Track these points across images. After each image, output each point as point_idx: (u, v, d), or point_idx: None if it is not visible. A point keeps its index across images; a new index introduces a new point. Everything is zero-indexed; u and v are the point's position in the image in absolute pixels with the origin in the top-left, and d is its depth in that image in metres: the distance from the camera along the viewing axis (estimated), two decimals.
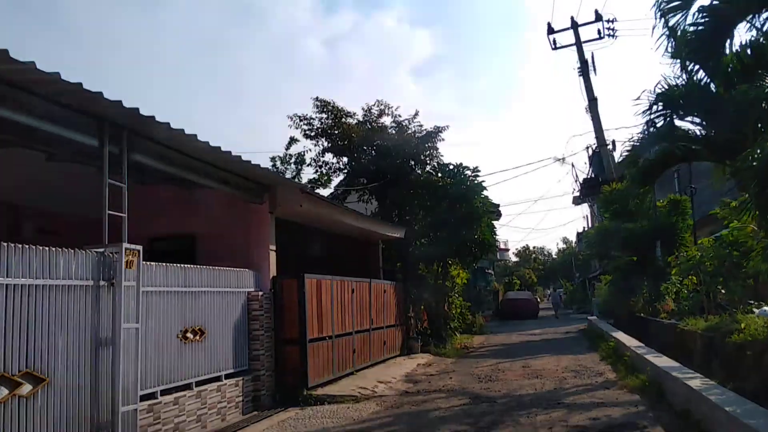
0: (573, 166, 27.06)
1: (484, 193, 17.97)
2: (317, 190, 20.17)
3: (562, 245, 73.58)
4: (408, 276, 17.39)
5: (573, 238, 70.93)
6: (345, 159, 17.56)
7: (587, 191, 26.47)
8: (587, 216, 46.03)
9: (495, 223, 50.20)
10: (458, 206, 17.72)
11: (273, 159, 25.35)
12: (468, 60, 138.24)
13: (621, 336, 14.75)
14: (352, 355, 11.51)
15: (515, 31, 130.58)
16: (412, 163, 17.73)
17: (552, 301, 41.55)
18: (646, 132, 9.25)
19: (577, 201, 45.98)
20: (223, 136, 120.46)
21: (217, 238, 9.85)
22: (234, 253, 9.61)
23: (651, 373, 9.08)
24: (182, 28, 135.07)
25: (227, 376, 8.38)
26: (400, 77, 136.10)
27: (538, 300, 68.46)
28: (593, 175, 25.37)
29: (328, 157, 17.93)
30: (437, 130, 17.69)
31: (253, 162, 8.51)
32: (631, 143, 9.87)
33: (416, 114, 18.11)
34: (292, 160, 22.76)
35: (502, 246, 47.57)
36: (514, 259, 70.47)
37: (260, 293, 9.28)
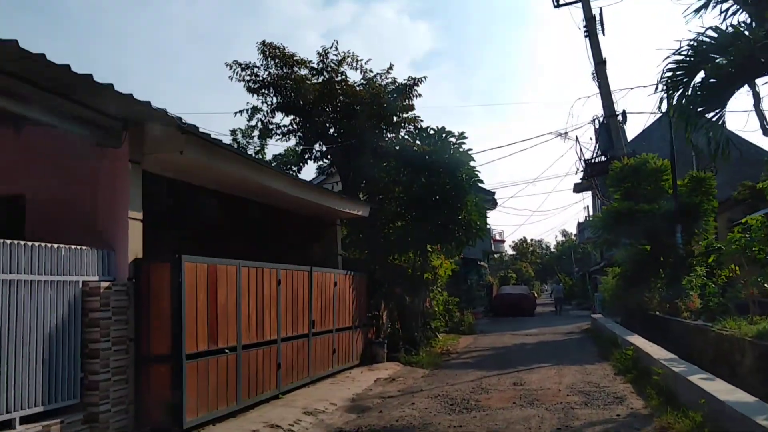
0: (577, 140, 23.71)
1: (472, 163, 14.68)
2: (289, 170, 16.92)
3: (560, 238, 70.41)
4: (378, 266, 14.17)
5: (572, 230, 67.82)
6: (298, 119, 14.20)
7: (593, 171, 23.17)
8: (588, 207, 42.80)
9: (490, 212, 46.67)
10: (440, 180, 14.50)
11: (233, 132, 22.06)
12: (468, 52, 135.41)
13: (640, 342, 11.54)
14: (276, 372, 8.26)
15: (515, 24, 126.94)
16: (383, 126, 14.43)
17: (554, 297, 37.85)
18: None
19: (578, 188, 42.75)
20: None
21: (57, 202, 6.58)
22: (82, 223, 6.37)
23: (710, 411, 5.87)
24: (180, 18, 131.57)
25: (27, 420, 5.13)
26: (399, 69, 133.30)
27: (536, 295, 65.48)
28: (600, 152, 22.05)
29: (281, 118, 14.58)
30: (413, 83, 14.35)
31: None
32: (678, 55, 6.55)
33: (390, 67, 14.82)
34: (255, 132, 19.40)
35: (497, 237, 44.35)
36: (510, 252, 67.37)
37: (106, 284, 6.01)
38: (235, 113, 13.98)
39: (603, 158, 22.02)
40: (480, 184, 14.61)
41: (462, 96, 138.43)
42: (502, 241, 44.88)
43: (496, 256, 56.06)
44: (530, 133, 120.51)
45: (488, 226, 16.05)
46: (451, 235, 14.61)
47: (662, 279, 17.32)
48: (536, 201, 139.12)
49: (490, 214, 49.58)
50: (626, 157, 19.61)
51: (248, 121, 14.62)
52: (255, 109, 14.35)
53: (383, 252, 14.16)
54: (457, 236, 14.18)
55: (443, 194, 14.37)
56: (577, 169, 23.63)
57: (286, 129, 14.40)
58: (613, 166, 18.78)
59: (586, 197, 47.55)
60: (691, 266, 16.91)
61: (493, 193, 43.49)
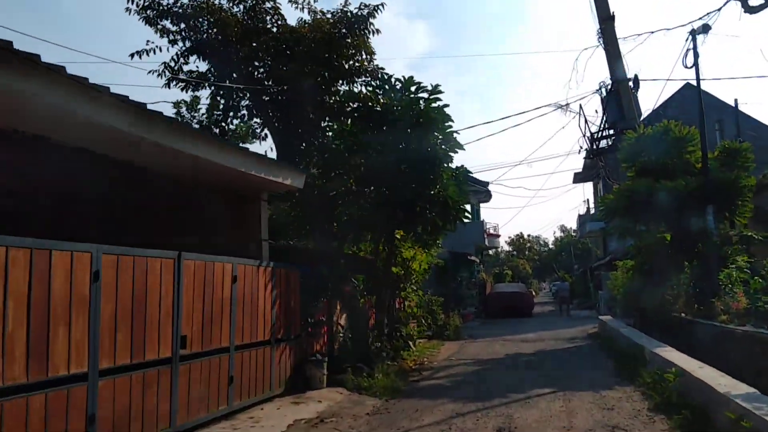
0: (581, 109, 20.06)
1: (449, 123, 11.22)
2: (244, 144, 13.36)
3: (559, 233, 67.03)
4: (325, 256, 10.73)
5: (570, 225, 64.44)
6: (215, 64, 10.64)
7: (599, 149, 19.72)
8: (588, 200, 39.41)
9: (484, 205, 43.08)
10: (407, 144, 11.08)
11: (176, 104, 18.58)
12: (464, 51, 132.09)
13: (683, 361, 8.10)
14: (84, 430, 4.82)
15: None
16: (332, 74, 10.95)
17: (558, 296, 33.68)
18: None
19: (578, 178, 39.32)
20: None
21: None
22: None
23: None
24: None
25: None
26: (396, 71, 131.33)
27: (533, 294, 62.01)
28: (607, 125, 18.59)
29: (195, 63, 11.06)
30: (368, 13, 10.82)
31: None
32: None
33: (347, 2, 11.32)
34: (201, 110, 15.82)
35: (491, 231, 40.90)
36: (506, 248, 64.01)
37: None
38: (131, 55, 10.39)
39: (611, 133, 18.58)
40: (455, 137, 11.12)
41: (460, 94, 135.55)
42: (497, 236, 41.43)
43: (491, 252, 52.65)
44: (532, 144, 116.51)
45: (469, 204, 12.46)
46: (421, 217, 11.14)
47: (689, 273, 13.95)
48: (535, 184, 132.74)
49: (484, 207, 46.16)
50: (642, 126, 16.19)
51: (162, 72, 11.09)
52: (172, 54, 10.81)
53: (334, 239, 10.72)
54: (429, 217, 10.74)
55: (411, 162, 10.93)
56: (581, 148, 20.16)
57: (198, 75, 10.78)
58: (627, 136, 15.36)
59: (587, 199, 44.20)
60: (727, 256, 13.55)
61: (487, 184, 40.17)
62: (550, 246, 64.69)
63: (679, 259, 14.66)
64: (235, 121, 11.02)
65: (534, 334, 19.34)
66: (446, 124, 11.31)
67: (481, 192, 38.88)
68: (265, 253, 9.40)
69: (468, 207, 11.93)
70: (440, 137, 11.36)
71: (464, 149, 11.41)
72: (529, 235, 64.23)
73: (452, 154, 11.53)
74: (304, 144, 10.58)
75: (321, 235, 10.48)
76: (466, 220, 11.85)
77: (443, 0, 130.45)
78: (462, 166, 12.02)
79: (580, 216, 38.21)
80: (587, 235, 38.12)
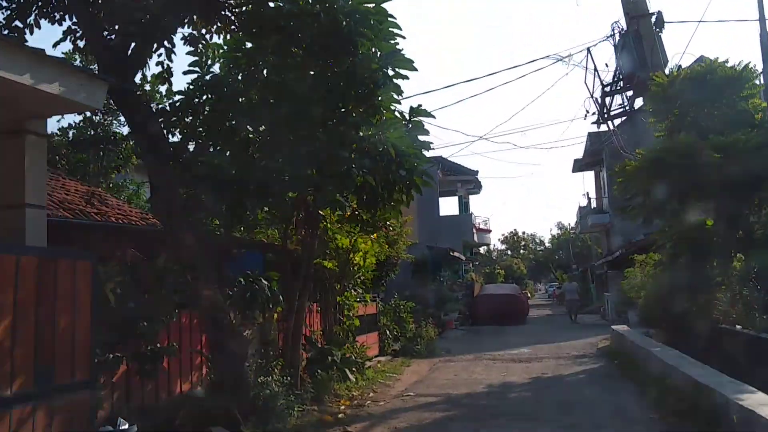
0: (589, 52, 15.68)
1: (394, 30, 6.92)
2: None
3: (556, 231, 62.88)
4: (174, 237, 6.44)
5: (568, 221, 60.19)
6: None
7: (608, 114, 15.44)
8: (587, 194, 35.17)
9: (474, 197, 38.57)
10: (328, 62, 6.85)
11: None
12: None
13: None
14: None
15: None
16: None
17: (566, 300, 27.56)
18: None
19: (578, 166, 34.95)
20: None
21: None
22: None
23: None
24: None
25: None
26: None
27: (528, 296, 57.72)
28: (621, 76, 14.27)
29: None
30: None
31: None
32: None
33: None
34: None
35: (481, 225, 36.71)
36: (500, 247, 59.74)
37: None
38: None
39: (627, 86, 14.30)
40: (402, 56, 6.84)
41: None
42: (488, 231, 37.20)
43: (482, 250, 48.46)
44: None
45: (431, 165, 8.07)
46: (347, 179, 6.81)
47: (740, 268, 9.86)
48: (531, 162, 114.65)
49: (473, 199, 41.50)
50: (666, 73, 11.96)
51: None
52: None
53: (189, 210, 6.46)
54: (350, 160, 6.48)
55: (335, 93, 6.70)
56: (587, 112, 15.86)
57: None
58: (656, 81, 11.14)
59: (586, 192, 39.90)
60: None
61: (476, 173, 35.94)
62: (547, 244, 60.60)
63: (726, 250, 10.55)
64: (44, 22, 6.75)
65: (529, 348, 15.11)
66: (389, 30, 7.04)
67: (470, 181, 34.65)
68: (35, 228, 5.15)
69: (429, 172, 7.61)
70: (378, 53, 7.10)
71: (416, 70, 7.12)
72: (524, 232, 59.98)
73: (399, 80, 7.28)
74: (117, 26, 6.29)
75: (162, 203, 6.20)
76: (424, 187, 7.59)
77: None
78: (419, 105, 7.72)
79: (580, 208, 34.04)
80: (589, 230, 33.98)
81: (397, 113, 7.52)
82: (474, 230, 33.00)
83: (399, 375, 11.55)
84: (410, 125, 7.48)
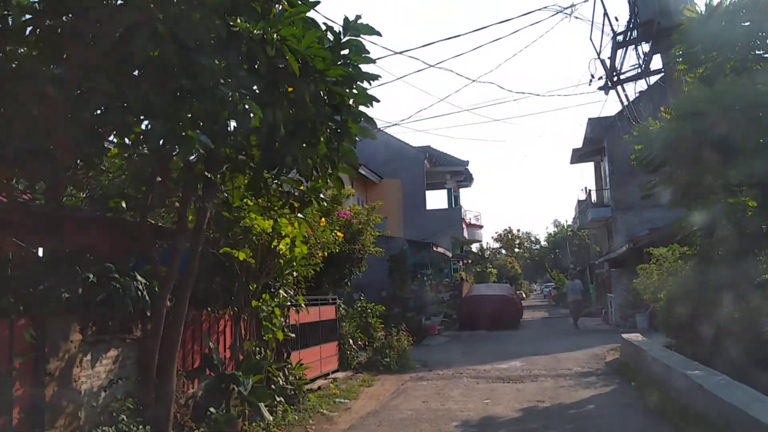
0: None
1: None
2: None
3: (552, 229, 60.20)
4: None
5: (566, 218, 57.50)
6: None
7: (619, 78, 12.70)
8: (586, 188, 32.45)
9: (465, 190, 35.68)
10: None
11: None
12: None
13: None
14: None
15: None
16: None
17: (570, 299, 23.58)
18: None
19: (578, 156, 32.21)
20: None
21: None
22: None
23: None
24: None
25: None
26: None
27: (524, 296, 54.97)
28: (637, 23, 11.48)
29: None
30: None
31: None
32: None
33: None
34: None
35: (472, 221, 34.00)
36: (494, 245, 56.95)
37: None
38: None
39: (644, 37, 11.55)
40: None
41: None
42: (479, 227, 34.49)
43: (475, 249, 45.76)
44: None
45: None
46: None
47: None
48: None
49: (464, 193, 38.49)
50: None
51: None
52: None
53: None
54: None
55: None
56: (592, 77, 13.10)
57: None
58: (688, 16, 8.43)
59: (585, 187, 37.15)
60: None
61: (466, 163, 33.06)
62: (543, 243, 57.90)
63: None
64: None
65: (521, 361, 12.43)
66: None
67: (459, 172, 31.91)
68: None
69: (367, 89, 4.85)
70: None
71: None
72: (518, 230, 57.08)
73: None
74: None
75: None
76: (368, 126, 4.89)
77: None
78: (358, 18, 4.94)
79: (579, 203, 31.36)
80: (588, 225, 31.31)
81: (323, 26, 4.79)
82: (464, 225, 30.29)
83: (352, 401, 8.86)
84: (344, 45, 4.76)
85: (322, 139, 5.09)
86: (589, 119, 27.74)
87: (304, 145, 5.04)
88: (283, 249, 6.98)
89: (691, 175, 7.90)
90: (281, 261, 7.23)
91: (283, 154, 4.90)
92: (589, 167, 34.80)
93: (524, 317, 25.09)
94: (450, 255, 23.46)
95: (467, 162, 31.75)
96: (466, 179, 33.40)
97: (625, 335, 12.07)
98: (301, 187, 5.82)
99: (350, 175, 6.49)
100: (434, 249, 19.30)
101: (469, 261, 38.19)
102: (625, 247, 17.90)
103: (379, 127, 9.50)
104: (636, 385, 8.80)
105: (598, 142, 28.49)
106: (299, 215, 6.38)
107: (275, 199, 6.23)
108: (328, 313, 11.39)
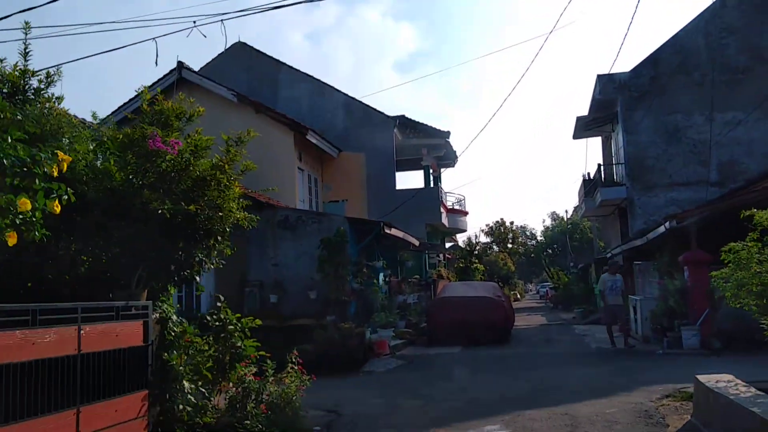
0: None
1: None
2: None
3: (549, 222, 54.45)
4: None
5: (565, 209, 51.66)
6: None
7: None
8: (588, 174, 26.56)
9: (446, 172, 29.53)
10: None
11: None
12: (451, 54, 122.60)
13: None
14: None
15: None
16: None
17: (609, 302, 14.28)
18: None
19: (581, 128, 26.35)
20: None
21: None
22: None
23: None
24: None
25: None
26: (383, 71, 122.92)
27: (519, 297, 49.10)
28: None
29: None
30: None
31: None
32: None
33: None
34: None
35: (455, 206, 28.08)
36: (484, 238, 50.85)
37: None
38: None
39: None
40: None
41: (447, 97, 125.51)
42: (464, 213, 28.54)
43: (461, 243, 39.87)
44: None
45: None
46: None
47: None
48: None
49: (447, 176, 32.24)
50: None
51: None
52: None
53: None
54: None
55: None
56: None
57: None
58: None
59: (586, 174, 31.12)
60: None
61: (447, 134, 26.93)
62: (539, 237, 52.13)
63: None
64: None
65: (507, 417, 6.53)
66: None
67: (439, 146, 25.94)
68: None
69: None
70: None
71: None
72: (512, 223, 50.77)
73: None
74: None
75: None
76: None
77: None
78: None
79: (585, 182, 25.44)
80: (596, 211, 25.43)
81: None
82: (443, 210, 24.40)
83: None
84: None
85: None
86: (599, 76, 21.97)
87: None
88: None
89: None
90: None
91: None
92: (595, 143, 28.96)
93: (517, 324, 19.28)
94: (417, 243, 17.54)
95: (448, 133, 25.79)
96: (447, 156, 27.46)
97: (705, 380, 6.18)
98: None
99: None
100: (386, 231, 13.43)
101: (456, 256, 32.37)
102: (664, 226, 12.06)
103: None
104: None
105: (609, 106, 22.78)
106: None
107: None
108: (127, 334, 5.54)
